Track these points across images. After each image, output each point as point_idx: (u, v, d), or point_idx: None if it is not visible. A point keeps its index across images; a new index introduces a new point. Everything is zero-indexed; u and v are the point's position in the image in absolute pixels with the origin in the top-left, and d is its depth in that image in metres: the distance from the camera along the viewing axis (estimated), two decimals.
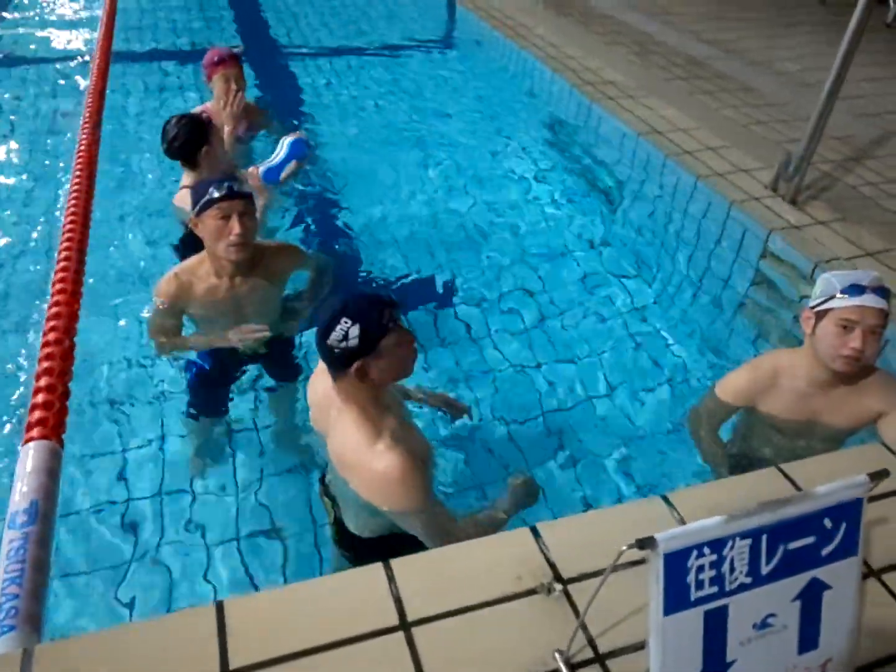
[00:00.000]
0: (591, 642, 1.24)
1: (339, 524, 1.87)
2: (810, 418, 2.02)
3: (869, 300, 1.79)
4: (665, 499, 1.52)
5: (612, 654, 1.23)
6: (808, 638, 1.06)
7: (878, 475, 1.04)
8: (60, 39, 6.32)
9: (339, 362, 1.56)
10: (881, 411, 1.95)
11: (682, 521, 1.46)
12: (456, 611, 1.28)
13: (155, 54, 6.03)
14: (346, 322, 1.52)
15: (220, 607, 1.25)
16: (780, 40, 6.06)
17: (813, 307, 1.91)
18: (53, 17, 6.89)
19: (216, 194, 2.15)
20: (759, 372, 2.06)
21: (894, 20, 6.36)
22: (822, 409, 1.99)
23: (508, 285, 3.55)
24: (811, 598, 1.04)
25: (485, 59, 6.11)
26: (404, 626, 1.24)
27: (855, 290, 1.81)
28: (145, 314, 2.40)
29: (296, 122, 4.72)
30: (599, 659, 1.22)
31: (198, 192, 2.22)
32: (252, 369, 2.69)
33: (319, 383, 1.76)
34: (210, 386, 2.63)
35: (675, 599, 0.96)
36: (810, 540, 1.02)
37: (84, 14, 6.89)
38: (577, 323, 3.29)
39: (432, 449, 1.85)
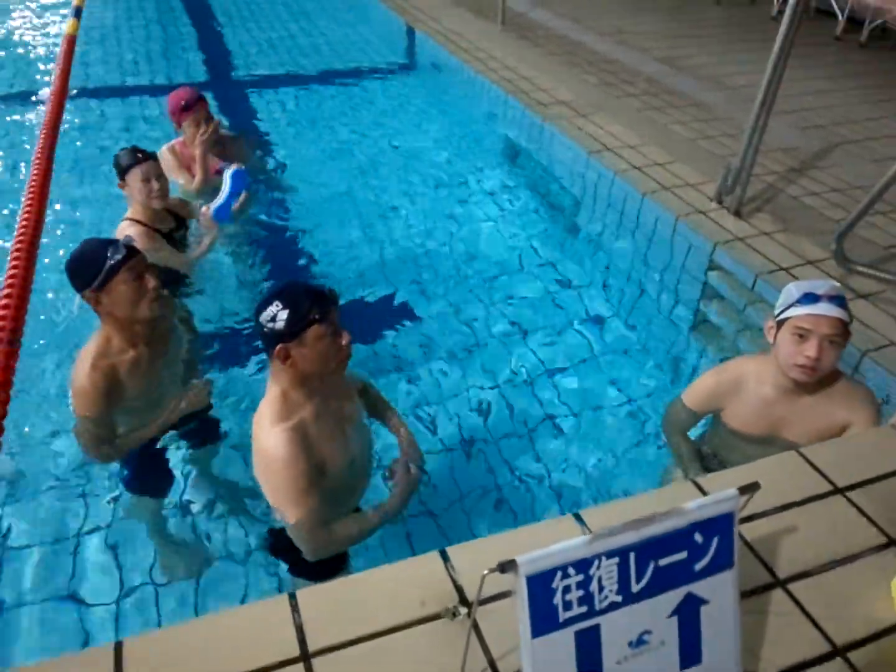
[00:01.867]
0: (493, 665, 1.24)
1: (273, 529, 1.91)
2: (776, 426, 1.99)
3: (823, 309, 1.78)
4: (577, 516, 1.53)
5: None
6: (690, 653, 1.07)
7: (749, 488, 1.06)
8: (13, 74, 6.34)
9: (264, 341, 1.64)
10: (846, 421, 1.93)
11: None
12: (357, 639, 1.27)
13: (116, 90, 6.06)
14: (277, 305, 1.61)
15: (117, 647, 1.24)
16: (731, 55, 6.18)
17: (775, 316, 1.91)
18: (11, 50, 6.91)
19: (119, 256, 1.96)
20: (723, 377, 2.06)
21: (843, 33, 6.51)
22: (787, 416, 1.97)
23: (466, 303, 3.58)
24: (688, 612, 1.05)
25: (443, 83, 6.19)
26: (304, 657, 1.24)
27: (810, 298, 1.80)
28: (76, 429, 2.09)
29: (259, 153, 4.75)
30: None
31: (85, 263, 1.98)
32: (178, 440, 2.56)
33: None
34: (151, 479, 2.41)
35: (543, 621, 0.96)
36: (682, 556, 1.03)
37: (41, 50, 6.90)
38: (532, 339, 3.32)
39: (354, 465, 1.84)
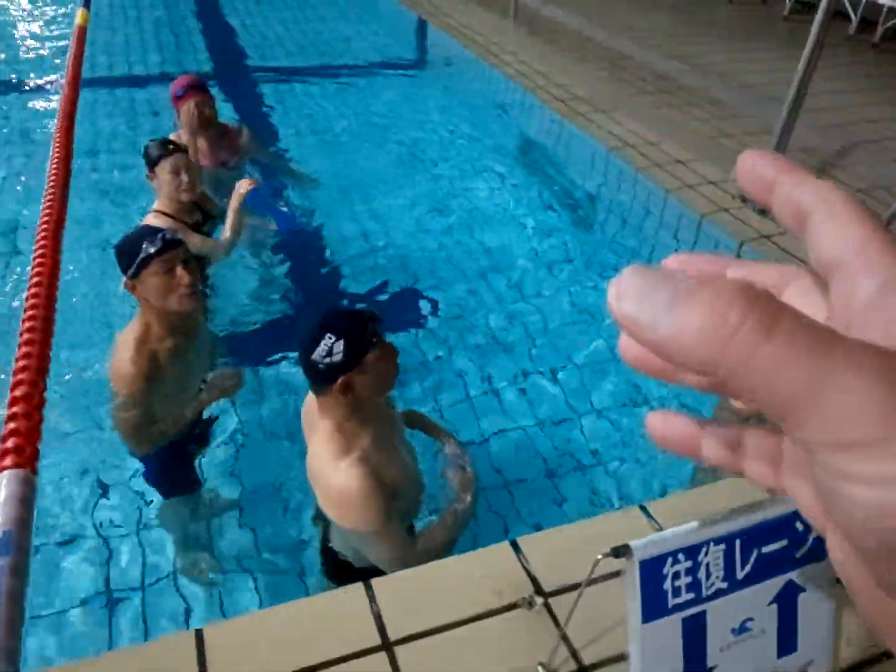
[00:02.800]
0: (575, 655, 1.24)
1: (326, 547, 1.87)
2: None
3: None
4: (643, 508, 1.53)
5: (596, 665, 1.23)
6: (787, 641, 1.07)
7: None
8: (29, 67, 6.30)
9: (322, 378, 1.57)
10: None
11: (661, 530, 1.47)
12: (437, 628, 1.27)
13: (124, 80, 6.03)
14: (329, 338, 1.54)
15: (198, 634, 1.23)
16: (743, 54, 6.20)
17: None
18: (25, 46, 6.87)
19: (152, 249, 1.97)
20: None
21: (855, 33, 6.54)
22: None
23: (487, 300, 3.58)
24: (787, 601, 1.05)
25: (457, 78, 6.18)
26: (386, 645, 1.24)
27: None
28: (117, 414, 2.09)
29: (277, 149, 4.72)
30: (583, 670, 1.22)
31: (126, 250, 2.02)
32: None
33: (310, 397, 1.78)
34: (178, 475, 2.42)
35: (653, 607, 0.96)
36: (783, 543, 1.03)
37: (52, 43, 6.87)
38: (553, 337, 3.32)
39: (414, 479, 1.82)
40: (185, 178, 2.80)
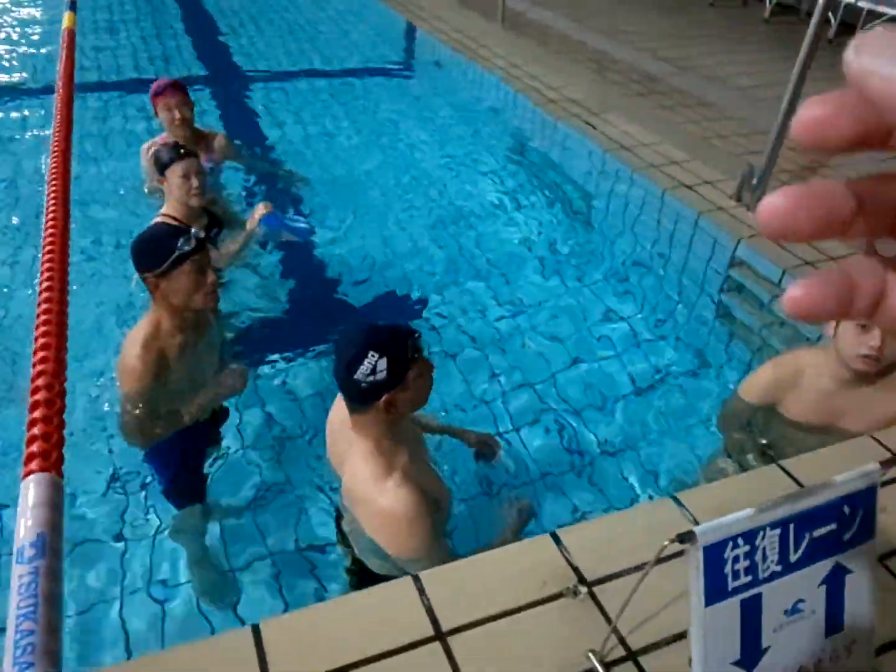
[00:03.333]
0: (623, 641, 1.28)
1: (358, 566, 1.84)
2: (835, 417, 2.03)
3: None
4: (675, 499, 1.57)
5: (644, 650, 1.27)
6: (834, 621, 1.12)
7: (889, 462, 1.11)
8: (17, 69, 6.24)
9: (365, 396, 1.54)
10: None
11: (694, 520, 1.52)
12: (487, 618, 1.30)
13: (113, 85, 6.00)
14: (373, 355, 1.50)
15: (255, 629, 1.25)
16: (730, 56, 6.31)
17: None
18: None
19: (188, 248, 1.98)
20: (782, 369, 2.08)
21: (835, 36, 6.68)
22: (846, 407, 2.00)
23: (486, 299, 3.62)
24: (835, 582, 1.10)
25: (446, 81, 6.22)
26: (440, 636, 1.27)
27: None
28: (122, 409, 2.09)
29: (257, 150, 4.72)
30: (632, 656, 1.26)
31: (153, 247, 2.01)
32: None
33: (336, 415, 1.77)
34: (191, 481, 2.41)
35: (715, 590, 1.00)
36: (832, 527, 1.08)
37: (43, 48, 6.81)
38: (561, 334, 3.37)
39: (449, 491, 1.82)
40: (195, 182, 2.82)
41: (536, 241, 4.11)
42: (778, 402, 2.12)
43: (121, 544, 2.25)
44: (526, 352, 3.28)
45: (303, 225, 3.64)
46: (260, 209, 3.10)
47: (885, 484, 1.62)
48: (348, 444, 1.68)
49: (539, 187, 4.65)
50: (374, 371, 1.50)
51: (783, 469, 1.67)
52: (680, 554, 1.40)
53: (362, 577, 1.83)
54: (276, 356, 3.17)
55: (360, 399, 1.56)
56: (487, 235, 4.16)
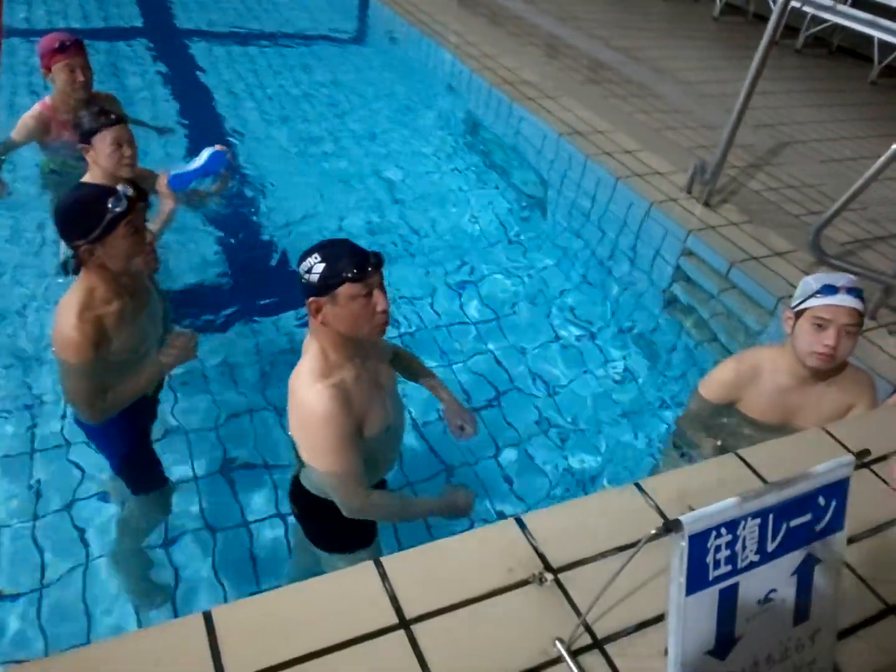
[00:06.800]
0: (589, 628, 1.26)
1: (295, 477, 1.88)
2: (790, 413, 2.07)
3: (841, 300, 1.86)
4: (638, 486, 1.57)
5: (610, 638, 1.25)
6: (802, 610, 1.12)
7: (864, 454, 1.12)
8: None
9: (302, 292, 1.61)
10: (851, 404, 2.04)
11: (656, 506, 1.51)
12: (453, 606, 1.26)
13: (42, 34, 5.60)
14: (316, 257, 1.57)
15: (207, 616, 1.17)
16: (678, 51, 6.41)
17: (793, 307, 1.99)
18: None
19: (119, 209, 1.82)
20: (742, 366, 2.10)
21: (780, 38, 6.86)
22: (801, 404, 2.05)
23: (434, 279, 3.57)
24: (806, 571, 1.11)
25: (400, 55, 6.09)
26: (404, 623, 1.22)
27: (829, 290, 1.88)
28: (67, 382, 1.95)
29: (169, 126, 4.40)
30: (599, 644, 1.24)
31: (82, 213, 1.84)
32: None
33: None
34: (148, 461, 2.26)
35: (696, 579, 0.99)
36: (808, 517, 1.08)
37: None
38: (510, 319, 3.35)
39: (391, 431, 1.81)
40: (127, 151, 2.62)
41: (488, 223, 4.07)
42: (738, 401, 2.13)
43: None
44: (471, 335, 3.25)
45: (204, 157, 3.30)
46: (161, 181, 2.82)
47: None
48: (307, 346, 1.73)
49: (492, 167, 4.61)
50: (310, 270, 1.56)
51: (741, 458, 1.69)
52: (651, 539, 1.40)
53: (296, 495, 1.88)
54: (216, 325, 3.05)
55: (301, 293, 1.62)
56: (437, 213, 4.10)
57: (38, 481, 2.36)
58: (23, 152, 3.19)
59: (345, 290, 1.56)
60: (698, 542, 0.98)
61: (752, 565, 1.04)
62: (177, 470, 2.41)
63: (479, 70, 5.14)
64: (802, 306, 1.95)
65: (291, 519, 2.20)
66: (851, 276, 1.94)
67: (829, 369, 1.99)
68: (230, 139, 4.42)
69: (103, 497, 2.32)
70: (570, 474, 2.58)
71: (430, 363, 3.01)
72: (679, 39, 6.79)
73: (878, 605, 1.40)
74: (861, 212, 3.83)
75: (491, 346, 3.19)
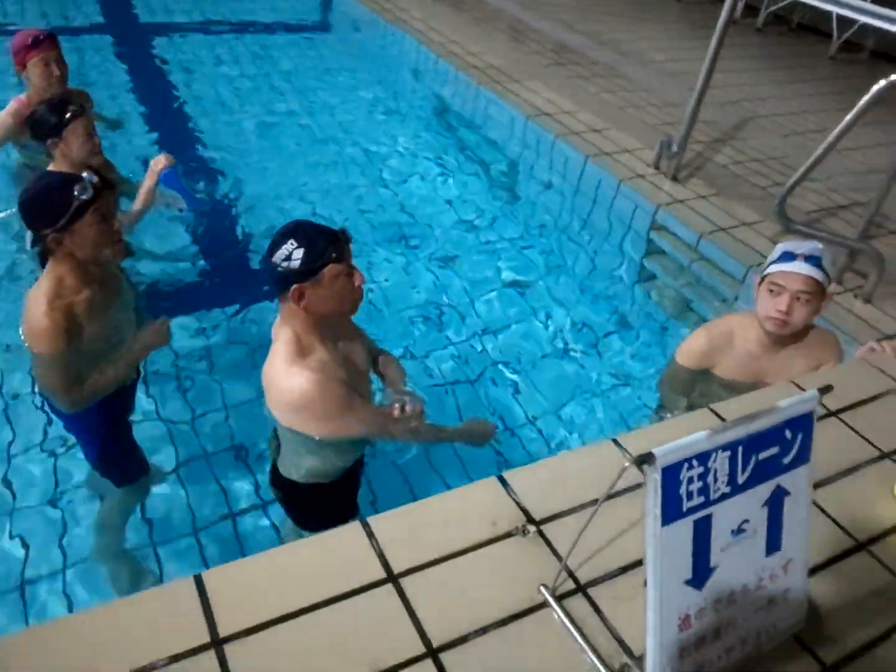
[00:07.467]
0: (572, 574, 1.30)
1: (273, 466, 1.91)
2: (760, 376, 2.11)
3: (796, 267, 1.90)
4: (615, 441, 1.61)
5: (592, 582, 1.29)
6: (773, 541, 1.17)
7: (826, 389, 1.17)
8: None
9: (279, 282, 1.60)
10: (819, 363, 2.09)
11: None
12: (439, 559, 1.29)
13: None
14: (292, 244, 1.57)
15: (198, 580, 1.19)
16: (641, 33, 6.47)
17: (760, 274, 2.04)
18: None
19: (86, 196, 1.81)
20: (714, 334, 2.15)
21: (741, 17, 6.95)
22: (769, 367, 2.09)
23: (409, 258, 3.59)
24: (776, 503, 1.15)
25: (364, 43, 6.08)
26: (392, 577, 1.25)
27: (787, 257, 1.92)
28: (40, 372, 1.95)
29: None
30: (581, 588, 1.28)
31: (47, 202, 1.82)
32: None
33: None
34: (130, 450, 2.26)
35: (671, 510, 1.03)
36: (775, 450, 1.12)
37: None
38: (487, 296, 3.38)
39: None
40: (97, 139, 2.62)
41: (460, 204, 4.09)
42: (712, 366, 2.18)
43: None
44: (446, 315, 3.27)
45: (197, 195, 3.38)
46: (161, 161, 2.84)
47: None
48: (277, 335, 1.72)
49: (460, 148, 4.64)
50: (288, 258, 1.57)
51: (714, 412, 1.74)
52: (626, 491, 1.44)
53: (280, 486, 1.91)
54: (187, 317, 3.04)
55: (275, 284, 1.62)
56: (409, 198, 4.11)
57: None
58: None
59: (329, 270, 1.59)
60: (671, 475, 1.01)
61: (723, 497, 1.08)
62: (156, 459, 2.41)
63: (445, 56, 5.15)
64: (765, 272, 2.01)
65: (275, 505, 2.22)
66: (816, 245, 1.96)
67: (794, 334, 2.03)
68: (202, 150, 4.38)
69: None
70: (548, 443, 2.62)
71: (403, 344, 3.05)
72: (643, 21, 6.86)
73: (849, 541, 1.46)
74: (825, 182, 3.92)
75: (467, 325, 3.22)
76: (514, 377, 2.95)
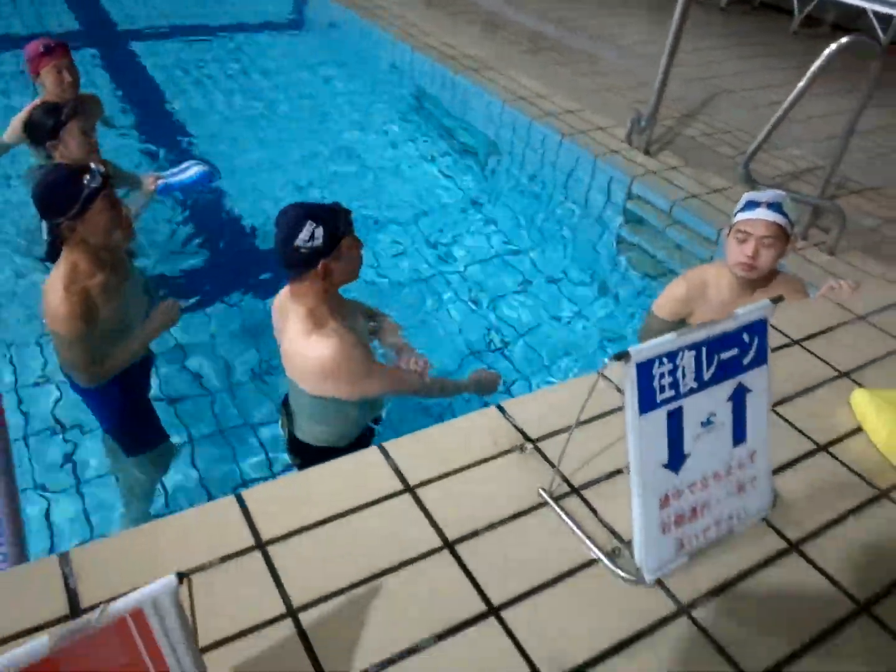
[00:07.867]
0: (567, 480, 1.47)
1: (291, 436, 2.07)
2: None
3: (760, 214, 2.04)
4: (602, 374, 1.77)
5: (585, 485, 1.46)
6: (739, 432, 1.34)
7: (776, 300, 1.35)
8: None
9: (304, 262, 1.74)
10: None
11: (617, 388, 1.73)
12: (449, 472, 1.46)
13: None
14: (311, 224, 1.71)
15: (239, 498, 1.35)
16: (610, 18, 6.65)
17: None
18: None
19: (95, 184, 1.95)
20: (691, 283, 2.28)
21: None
22: None
23: (399, 238, 3.76)
24: (738, 399, 1.33)
25: (341, 39, 6.24)
26: (409, 488, 1.41)
27: (751, 205, 2.07)
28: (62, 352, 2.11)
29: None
30: (576, 490, 1.45)
31: (60, 192, 1.95)
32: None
33: (278, 298, 1.96)
34: (142, 418, 2.42)
35: (646, 401, 1.20)
36: (735, 352, 1.30)
37: None
38: (474, 271, 3.55)
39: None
40: (95, 138, 2.77)
41: (442, 186, 4.27)
42: (689, 315, 2.32)
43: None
44: (436, 291, 3.44)
45: (199, 173, 3.51)
46: (150, 183, 3.08)
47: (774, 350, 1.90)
48: (289, 312, 1.87)
49: (441, 136, 4.81)
50: (312, 237, 1.71)
51: None
52: (610, 413, 1.62)
53: (299, 452, 2.08)
54: (199, 299, 3.19)
55: (299, 265, 1.76)
56: (394, 184, 4.28)
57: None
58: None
59: (346, 242, 1.78)
60: (644, 370, 1.19)
61: (692, 391, 1.25)
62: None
63: (421, 48, 5.32)
64: (733, 221, 2.17)
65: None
66: (778, 192, 2.11)
67: (762, 278, 2.19)
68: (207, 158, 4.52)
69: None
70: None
71: (399, 318, 3.21)
72: (612, 7, 7.04)
73: (810, 444, 1.64)
74: (788, 149, 4.12)
75: (459, 300, 3.39)
76: (508, 340, 3.12)
